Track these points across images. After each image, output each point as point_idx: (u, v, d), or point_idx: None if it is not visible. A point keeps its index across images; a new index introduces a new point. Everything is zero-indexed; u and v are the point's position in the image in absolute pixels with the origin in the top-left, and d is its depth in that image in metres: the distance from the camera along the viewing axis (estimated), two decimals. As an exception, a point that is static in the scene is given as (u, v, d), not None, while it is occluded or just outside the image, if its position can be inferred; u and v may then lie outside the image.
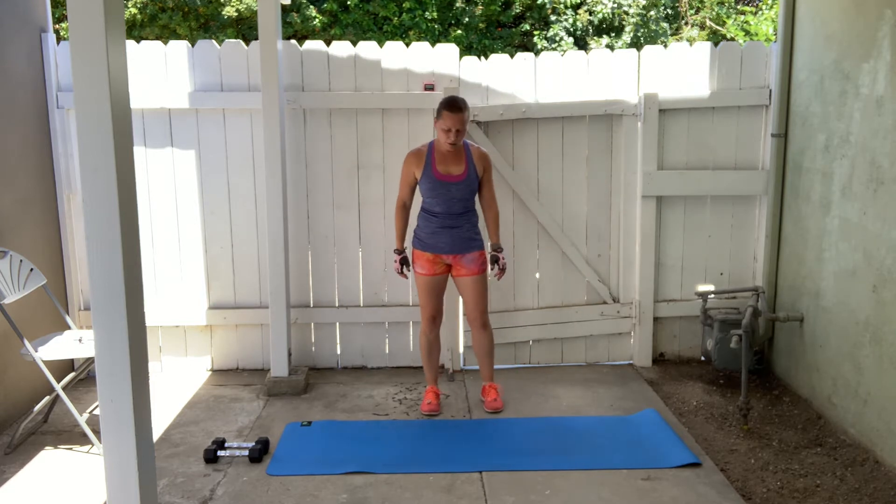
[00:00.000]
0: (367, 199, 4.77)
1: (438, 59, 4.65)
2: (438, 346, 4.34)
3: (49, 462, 3.66)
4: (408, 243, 4.24)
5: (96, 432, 3.68)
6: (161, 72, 4.58)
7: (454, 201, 4.05)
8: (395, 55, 4.64)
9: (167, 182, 4.69)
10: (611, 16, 11.84)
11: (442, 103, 3.96)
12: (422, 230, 4.14)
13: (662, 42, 11.52)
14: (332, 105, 4.64)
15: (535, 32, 12.46)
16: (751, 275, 4.94)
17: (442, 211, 4.06)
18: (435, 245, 4.08)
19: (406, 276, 4.29)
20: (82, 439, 3.85)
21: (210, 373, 4.84)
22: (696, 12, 12.42)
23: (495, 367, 4.45)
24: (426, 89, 4.64)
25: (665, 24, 11.84)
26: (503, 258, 4.19)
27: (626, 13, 11.80)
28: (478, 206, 4.20)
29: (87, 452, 3.76)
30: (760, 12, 11.09)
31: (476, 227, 4.16)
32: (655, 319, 4.92)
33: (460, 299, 4.80)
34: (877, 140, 3.67)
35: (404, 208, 4.18)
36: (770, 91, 4.69)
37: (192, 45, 4.60)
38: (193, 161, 4.67)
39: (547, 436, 3.91)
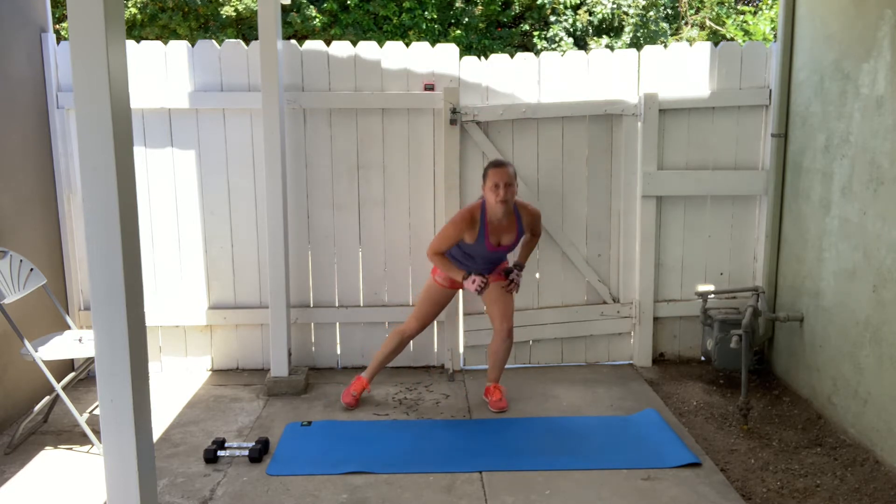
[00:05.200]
0: (367, 199, 4.77)
1: (438, 59, 4.65)
2: (401, 351, 4.40)
3: (49, 462, 3.66)
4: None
5: (96, 432, 3.68)
6: (161, 72, 4.58)
7: (499, 262, 4.27)
8: (395, 55, 4.64)
9: (167, 182, 4.69)
10: (610, 16, 11.84)
11: (486, 167, 4.06)
12: (456, 256, 4.19)
13: (662, 42, 11.52)
14: (332, 105, 4.64)
15: (535, 32, 12.46)
16: (751, 275, 4.95)
17: (483, 267, 4.20)
18: (468, 268, 4.14)
19: (488, 284, 4.13)
20: (82, 439, 3.85)
21: (210, 373, 4.84)
22: (696, 12, 12.42)
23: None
24: (426, 89, 4.64)
25: (665, 24, 11.84)
26: (518, 276, 4.24)
27: (626, 13, 11.80)
28: None
29: (87, 452, 3.76)
30: (760, 12, 11.09)
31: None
32: (655, 319, 4.92)
33: (461, 299, 4.81)
34: (877, 140, 3.67)
35: (439, 254, 4.11)
36: (770, 91, 4.69)
37: (192, 45, 4.60)
38: (193, 161, 4.67)
39: (547, 436, 3.91)
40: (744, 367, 4.12)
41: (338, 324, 4.88)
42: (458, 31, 12.31)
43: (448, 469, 3.54)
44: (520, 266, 4.28)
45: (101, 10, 2.21)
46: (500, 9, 12.81)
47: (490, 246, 4.08)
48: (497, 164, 4.02)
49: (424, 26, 12.15)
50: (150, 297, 4.70)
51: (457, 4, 12.48)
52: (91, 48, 2.24)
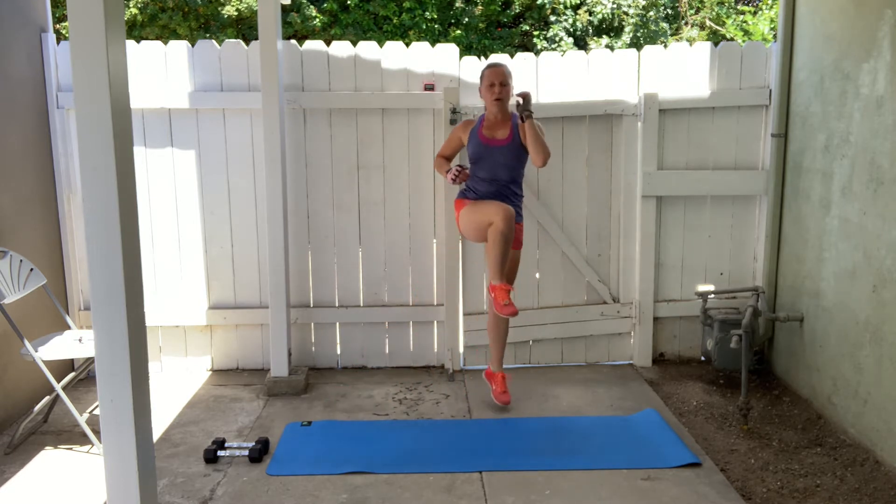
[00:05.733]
0: (367, 199, 4.77)
1: (438, 59, 4.65)
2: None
3: (49, 462, 3.66)
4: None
5: (96, 432, 3.68)
6: (161, 72, 4.58)
7: (499, 166, 4.09)
8: (395, 55, 4.64)
9: (167, 182, 4.69)
10: (610, 16, 11.85)
11: (483, 68, 4.19)
12: (467, 190, 4.19)
13: (662, 42, 11.52)
14: (332, 105, 4.64)
15: (535, 32, 12.47)
16: (751, 275, 4.95)
17: (487, 177, 4.10)
18: (483, 197, 4.11)
19: (466, 172, 4.05)
20: (82, 439, 3.85)
21: (210, 373, 4.84)
22: (696, 12, 12.42)
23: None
24: (426, 89, 4.64)
25: (665, 25, 11.85)
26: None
27: (626, 13, 11.80)
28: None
29: (87, 452, 3.76)
30: (760, 12, 11.09)
31: (520, 203, 4.19)
32: (655, 319, 4.92)
33: (462, 299, 4.81)
34: (877, 140, 3.67)
35: (440, 157, 4.31)
36: (770, 91, 4.69)
37: (192, 45, 4.60)
38: (193, 161, 4.67)
39: (547, 436, 3.91)
40: (744, 367, 4.12)
41: (338, 324, 4.88)
42: (458, 31, 12.32)
43: (448, 469, 3.54)
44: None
45: (101, 10, 2.21)
46: (500, 9, 12.82)
47: (483, 138, 4.09)
48: (493, 65, 4.13)
49: (424, 26, 12.16)
50: (150, 297, 4.70)
51: (457, 4, 12.49)
52: (91, 48, 2.24)
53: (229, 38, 11.06)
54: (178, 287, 4.78)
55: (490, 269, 4.00)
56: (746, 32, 10.99)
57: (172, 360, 4.85)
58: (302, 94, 4.61)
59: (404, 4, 12.19)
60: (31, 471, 3.58)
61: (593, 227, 4.87)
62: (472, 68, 4.65)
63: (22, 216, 4.22)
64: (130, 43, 4.41)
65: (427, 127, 4.69)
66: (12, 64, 4.18)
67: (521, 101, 4.04)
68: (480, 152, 4.09)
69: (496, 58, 4.69)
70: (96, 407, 4.02)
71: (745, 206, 4.88)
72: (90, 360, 3.96)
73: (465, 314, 4.82)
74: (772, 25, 10.19)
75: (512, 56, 4.76)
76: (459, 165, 4.08)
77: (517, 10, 12.93)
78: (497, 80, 4.04)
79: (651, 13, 11.65)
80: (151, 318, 4.62)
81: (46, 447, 3.81)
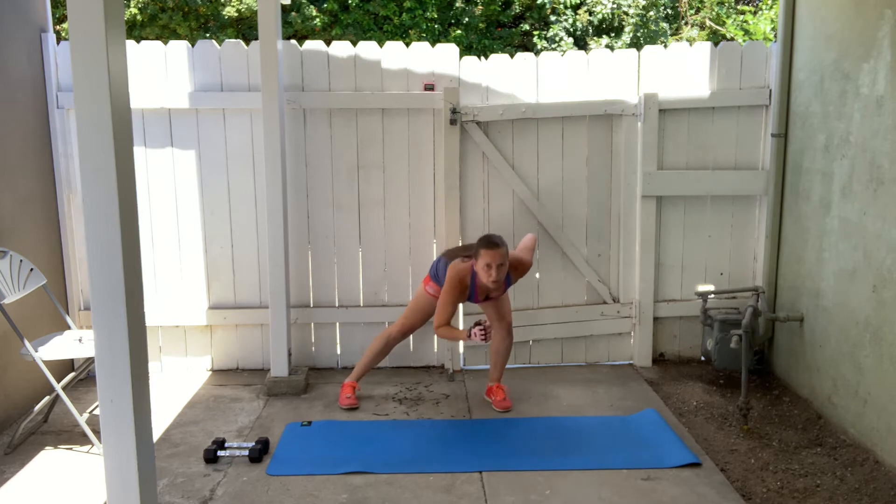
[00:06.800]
0: (367, 199, 4.77)
1: (438, 59, 4.65)
2: (386, 354, 4.43)
3: (49, 462, 3.66)
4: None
5: (96, 432, 3.68)
6: (161, 72, 4.58)
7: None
8: (395, 55, 4.64)
9: (167, 182, 4.69)
10: (610, 16, 11.85)
11: (478, 244, 3.93)
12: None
13: (662, 42, 11.52)
14: (332, 105, 4.64)
15: (535, 32, 12.47)
16: (751, 275, 4.94)
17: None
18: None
19: (489, 329, 3.97)
20: (82, 439, 3.85)
21: (210, 373, 4.84)
22: (696, 12, 12.42)
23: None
24: (426, 89, 4.64)
25: (665, 24, 11.84)
26: (483, 327, 3.97)
27: (626, 13, 11.80)
28: None
29: (87, 452, 3.76)
30: (760, 12, 11.09)
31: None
32: (655, 319, 4.92)
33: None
34: (877, 140, 3.67)
35: (446, 324, 4.06)
36: (770, 91, 4.69)
37: (192, 45, 4.60)
38: (193, 161, 4.67)
39: (547, 436, 3.91)
40: (744, 367, 4.12)
41: (338, 324, 4.88)
42: (459, 31, 12.32)
43: (448, 469, 3.54)
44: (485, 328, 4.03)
45: (101, 10, 2.21)
46: (500, 9, 12.82)
47: (478, 300, 4.15)
48: (490, 245, 3.88)
49: (424, 26, 12.16)
50: (150, 297, 4.70)
51: (457, 4, 12.49)
52: (91, 48, 2.24)
53: (229, 38, 11.06)
54: (178, 287, 4.78)
55: (495, 370, 4.34)
56: (747, 32, 10.98)
57: (172, 360, 4.85)
58: (302, 94, 4.61)
59: (404, 4, 12.19)
60: (31, 471, 3.58)
61: (593, 227, 4.87)
62: (472, 68, 4.66)
63: (22, 216, 4.22)
64: (130, 43, 4.41)
65: (427, 127, 4.69)
66: (12, 64, 4.18)
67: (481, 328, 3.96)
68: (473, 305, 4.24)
69: (498, 57, 4.68)
70: (96, 407, 4.02)
71: (745, 206, 4.88)
72: (90, 360, 3.96)
73: (465, 314, 4.82)
74: (772, 25, 10.18)
75: (512, 56, 4.76)
76: (480, 324, 3.94)
77: (517, 10, 12.93)
78: (495, 263, 3.85)
79: (651, 13, 11.64)
80: (151, 318, 4.61)
81: (46, 447, 3.81)
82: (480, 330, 3.93)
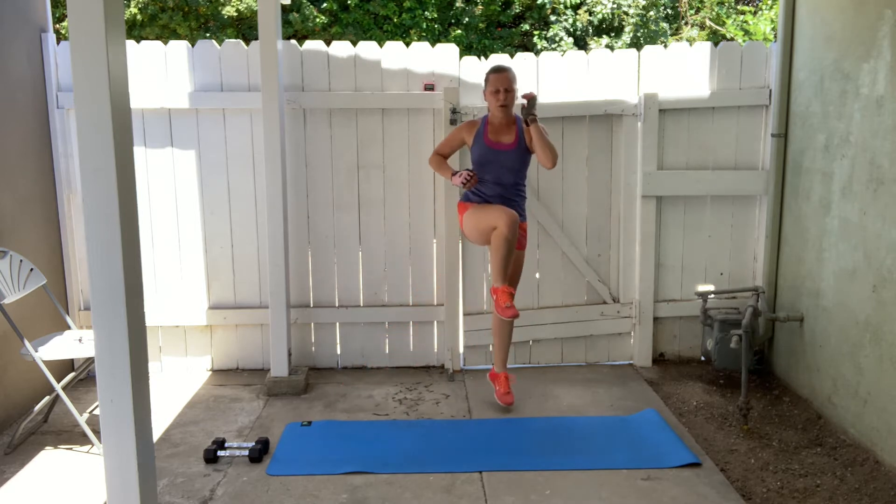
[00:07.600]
0: (367, 199, 4.77)
1: (438, 59, 4.65)
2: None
3: (49, 462, 3.66)
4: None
5: (96, 432, 3.68)
6: (161, 72, 4.58)
7: (504, 170, 4.09)
8: (395, 55, 4.64)
9: (167, 182, 4.69)
10: (610, 16, 11.85)
11: (488, 71, 4.12)
12: (471, 193, 4.17)
13: (662, 42, 11.52)
14: (332, 105, 4.64)
15: (535, 32, 12.47)
16: (751, 275, 4.94)
17: (492, 180, 4.09)
18: (488, 200, 4.11)
19: (475, 177, 3.99)
20: (82, 439, 3.85)
21: (210, 373, 4.84)
22: (696, 12, 12.42)
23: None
24: (426, 89, 4.64)
25: (665, 24, 11.84)
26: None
27: (626, 13, 11.80)
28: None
29: (87, 452, 3.76)
30: (760, 12, 11.09)
31: (523, 204, 4.19)
32: (655, 319, 4.92)
33: (462, 299, 4.80)
34: (877, 140, 3.67)
35: (438, 155, 4.22)
36: (770, 91, 4.69)
37: (192, 45, 4.60)
38: (193, 161, 4.67)
39: (547, 436, 3.91)
40: (744, 367, 4.12)
41: (338, 324, 4.88)
42: (459, 31, 12.32)
43: (448, 469, 3.54)
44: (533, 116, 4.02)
45: (101, 10, 2.21)
46: (500, 9, 12.82)
47: (489, 142, 4.09)
48: (498, 70, 4.07)
49: (425, 26, 12.16)
50: (150, 297, 4.70)
51: (457, 4, 12.49)
52: (91, 48, 2.24)
53: (229, 38, 11.06)
54: (178, 287, 4.78)
55: (493, 272, 4.00)
56: (747, 32, 10.98)
57: (172, 360, 4.85)
58: (302, 94, 4.61)
59: (404, 4, 12.19)
60: (31, 471, 3.58)
61: (593, 227, 4.87)
62: (472, 68, 4.66)
63: (22, 216, 4.22)
64: (130, 43, 4.41)
65: (427, 127, 4.69)
66: (12, 64, 4.18)
67: (525, 103, 4.03)
68: (486, 156, 4.08)
69: (499, 58, 4.69)
70: (96, 407, 4.02)
71: (745, 206, 4.88)
72: (90, 360, 3.96)
73: (465, 314, 4.82)
74: (772, 25, 10.18)
75: (512, 56, 4.76)
76: (469, 170, 4.04)
77: (517, 10, 12.93)
78: (502, 87, 4.01)
79: (651, 13, 11.64)
80: (151, 318, 4.61)
81: (46, 447, 3.81)
82: (467, 175, 3.95)
